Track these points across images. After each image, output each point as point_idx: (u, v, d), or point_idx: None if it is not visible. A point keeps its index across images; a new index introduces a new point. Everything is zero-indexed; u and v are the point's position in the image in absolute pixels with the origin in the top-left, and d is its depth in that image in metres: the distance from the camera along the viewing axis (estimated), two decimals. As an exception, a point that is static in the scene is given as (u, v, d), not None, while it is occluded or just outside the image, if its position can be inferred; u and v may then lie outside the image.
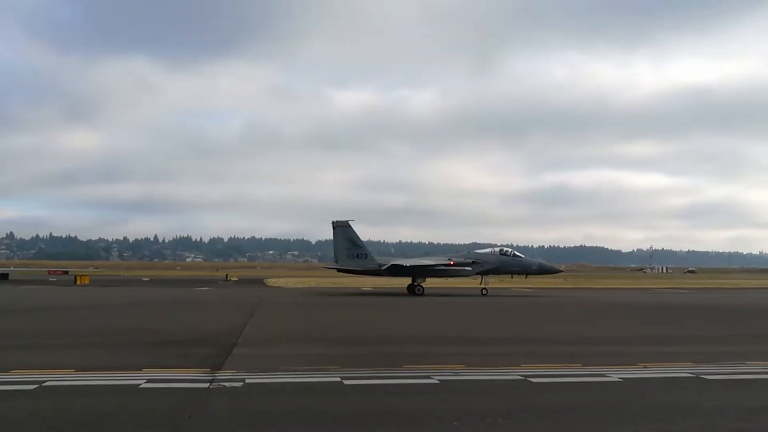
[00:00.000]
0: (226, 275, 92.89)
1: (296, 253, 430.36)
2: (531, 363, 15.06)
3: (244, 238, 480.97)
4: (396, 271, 49.62)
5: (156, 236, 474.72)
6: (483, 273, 49.14)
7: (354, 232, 50.55)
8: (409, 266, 49.63)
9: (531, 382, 12.84)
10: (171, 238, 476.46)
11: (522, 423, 9.83)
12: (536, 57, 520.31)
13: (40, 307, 32.96)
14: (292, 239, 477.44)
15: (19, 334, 20.73)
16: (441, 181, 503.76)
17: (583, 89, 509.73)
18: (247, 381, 12.56)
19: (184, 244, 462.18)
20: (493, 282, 53.46)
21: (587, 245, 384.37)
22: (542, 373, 13.74)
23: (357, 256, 50.09)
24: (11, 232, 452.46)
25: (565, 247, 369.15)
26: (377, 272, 50.29)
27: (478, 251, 51.85)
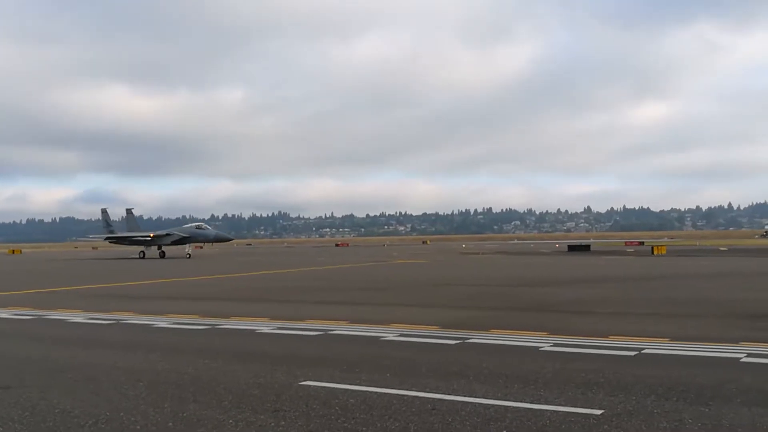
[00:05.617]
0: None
1: None
2: None
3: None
4: None
5: (730, 203, 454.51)
6: None
7: None
8: None
9: None
10: (747, 205, 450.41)
11: None
12: None
13: (628, 277, 34.27)
14: None
15: (607, 302, 21.87)
16: None
17: None
18: None
19: (762, 210, 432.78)
20: None
21: None
22: None
23: None
24: (588, 206, 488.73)
25: None
26: None
27: None
